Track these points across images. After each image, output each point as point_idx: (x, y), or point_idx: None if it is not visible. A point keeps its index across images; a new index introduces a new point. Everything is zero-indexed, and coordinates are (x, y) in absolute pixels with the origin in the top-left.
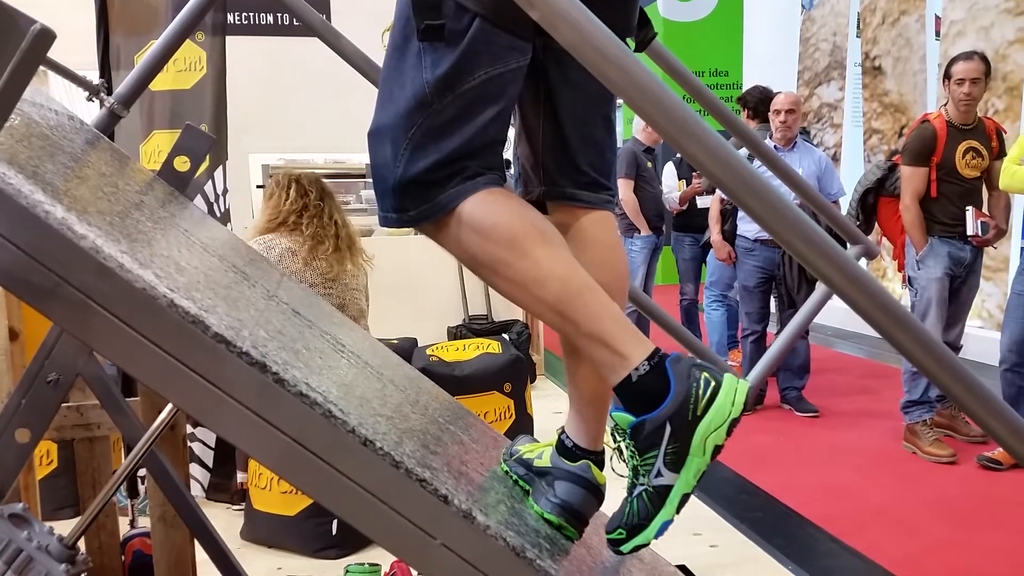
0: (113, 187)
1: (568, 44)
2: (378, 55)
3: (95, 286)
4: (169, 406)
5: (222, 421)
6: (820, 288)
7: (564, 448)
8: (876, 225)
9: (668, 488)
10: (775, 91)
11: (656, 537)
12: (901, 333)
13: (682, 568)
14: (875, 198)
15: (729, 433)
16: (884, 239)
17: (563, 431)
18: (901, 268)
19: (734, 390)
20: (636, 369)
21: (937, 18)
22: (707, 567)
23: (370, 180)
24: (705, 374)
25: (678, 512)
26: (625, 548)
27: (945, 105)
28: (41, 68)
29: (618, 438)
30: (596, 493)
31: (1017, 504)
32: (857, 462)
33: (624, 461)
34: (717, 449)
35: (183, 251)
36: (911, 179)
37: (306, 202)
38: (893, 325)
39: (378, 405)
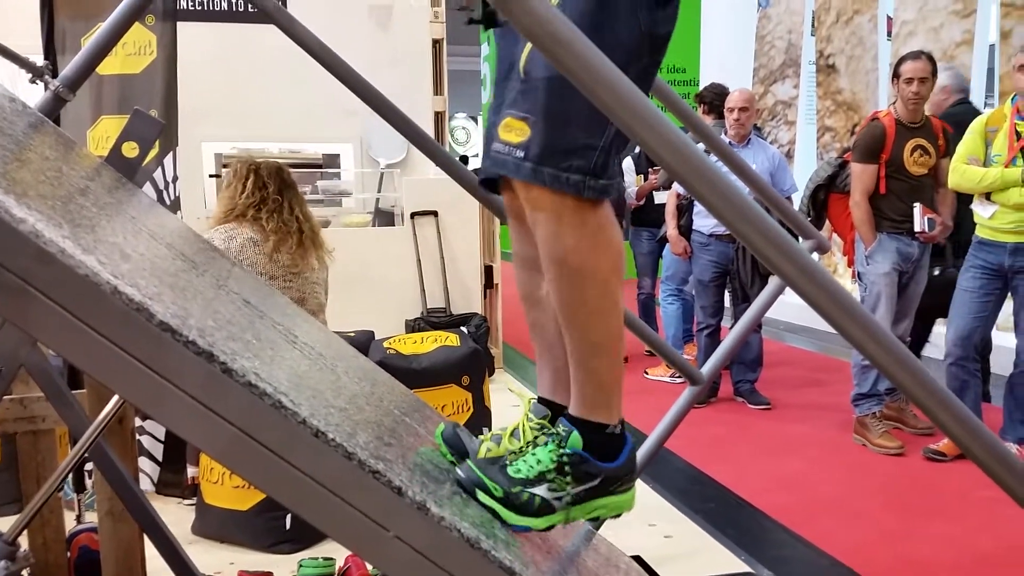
0: (56, 172)
1: (524, 29)
2: (335, 41)
3: (35, 272)
4: (115, 398)
5: (168, 412)
6: (773, 282)
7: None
8: (827, 221)
9: (551, 511)
10: (731, 89)
11: (514, 529)
12: (852, 325)
13: (637, 559)
14: (826, 195)
15: (600, 522)
16: (835, 235)
17: (565, 409)
18: (851, 264)
19: (633, 498)
20: (615, 428)
21: (889, 18)
22: (661, 558)
23: (327, 170)
24: (630, 477)
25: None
26: (481, 498)
27: (894, 103)
28: None
29: (552, 445)
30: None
31: (961, 494)
32: (808, 454)
33: (530, 455)
34: (593, 521)
35: (129, 238)
36: (861, 176)
37: (264, 195)
38: (844, 317)
39: (331, 397)
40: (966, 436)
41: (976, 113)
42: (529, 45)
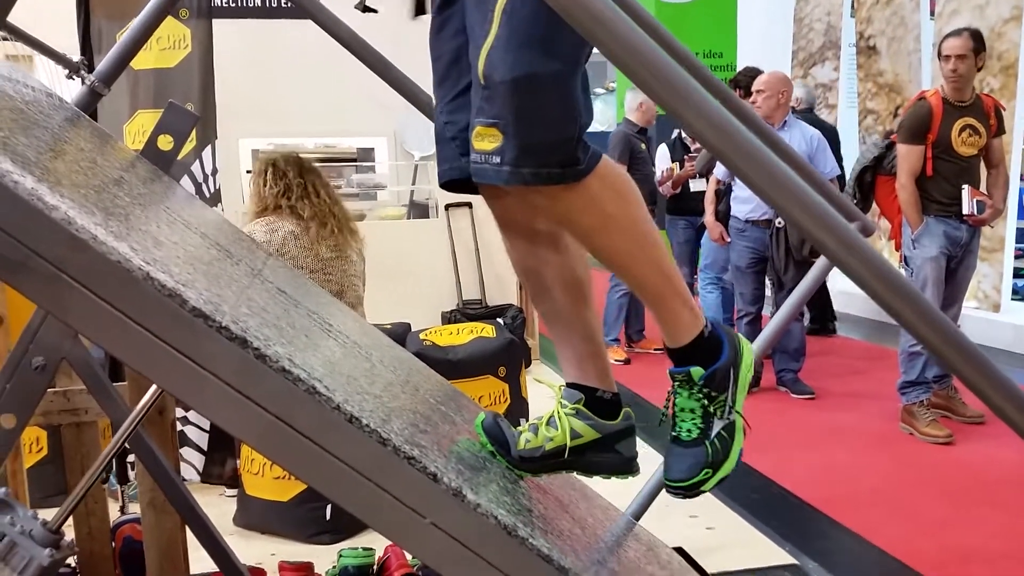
0: (91, 163)
1: (557, 4)
2: (369, 31)
3: (68, 258)
4: (153, 387)
5: (202, 398)
6: (816, 266)
7: (603, 404)
8: (874, 204)
9: (735, 421)
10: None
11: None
12: (902, 304)
13: (679, 550)
14: (872, 177)
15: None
16: (882, 219)
17: (598, 390)
18: (898, 248)
19: (740, 337)
20: (706, 326)
21: None
22: (704, 549)
23: (362, 164)
24: (727, 328)
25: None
26: (708, 486)
27: (942, 83)
28: (27, 51)
29: (684, 392)
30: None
31: (1012, 483)
32: (853, 443)
33: (681, 414)
34: (747, 385)
35: (163, 227)
36: (907, 157)
37: (287, 183)
38: (894, 296)
39: (366, 384)
40: None
41: (819, 124)
42: (485, 49)
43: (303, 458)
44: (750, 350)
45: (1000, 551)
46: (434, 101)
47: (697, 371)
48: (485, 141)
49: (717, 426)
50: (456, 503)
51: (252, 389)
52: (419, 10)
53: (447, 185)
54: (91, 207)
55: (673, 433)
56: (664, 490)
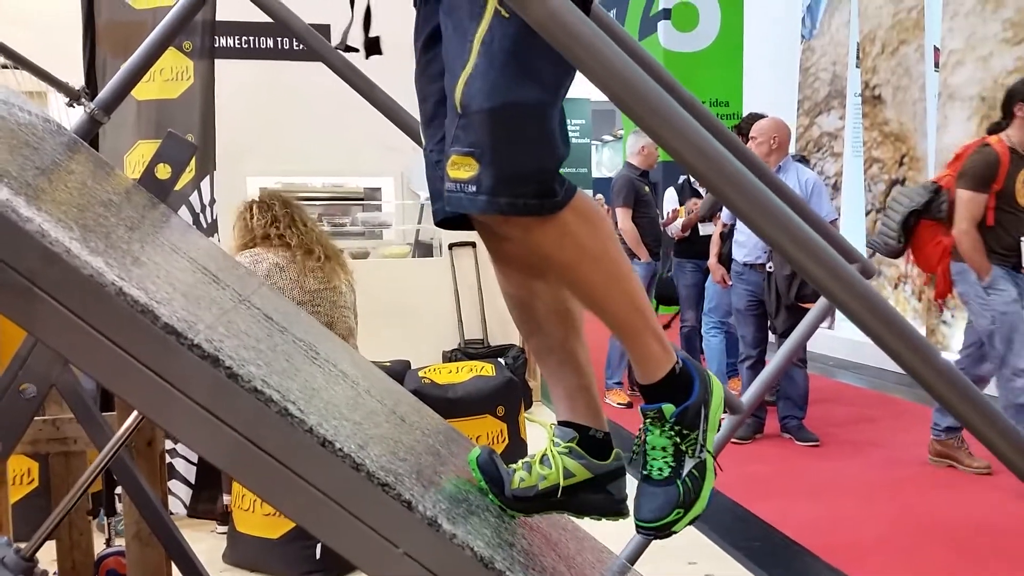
0: (80, 184)
1: (537, 23)
2: (376, 75)
3: (40, 272)
4: (136, 413)
5: (172, 417)
6: (817, 305)
7: (595, 443)
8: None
9: (705, 460)
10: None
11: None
12: (901, 344)
13: None
14: (916, 220)
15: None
16: (911, 263)
17: (591, 429)
18: (941, 296)
19: (711, 375)
20: (677, 363)
21: (936, 49)
22: None
23: (368, 203)
24: (697, 365)
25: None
26: (680, 526)
27: (1006, 131)
28: (41, 87)
29: (655, 429)
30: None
31: (1019, 535)
32: (858, 491)
33: (653, 452)
34: (718, 424)
35: (147, 248)
36: (969, 204)
37: (273, 214)
38: (893, 336)
39: (346, 411)
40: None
41: None
42: (463, 78)
43: (272, 481)
44: (720, 388)
45: None
46: (423, 141)
47: (669, 408)
48: (460, 170)
49: (688, 464)
50: (431, 533)
51: (222, 409)
52: (371, 51)
53: (443, 223)
54: (70, 223)
55: (644, 472)
56: (636, 531)
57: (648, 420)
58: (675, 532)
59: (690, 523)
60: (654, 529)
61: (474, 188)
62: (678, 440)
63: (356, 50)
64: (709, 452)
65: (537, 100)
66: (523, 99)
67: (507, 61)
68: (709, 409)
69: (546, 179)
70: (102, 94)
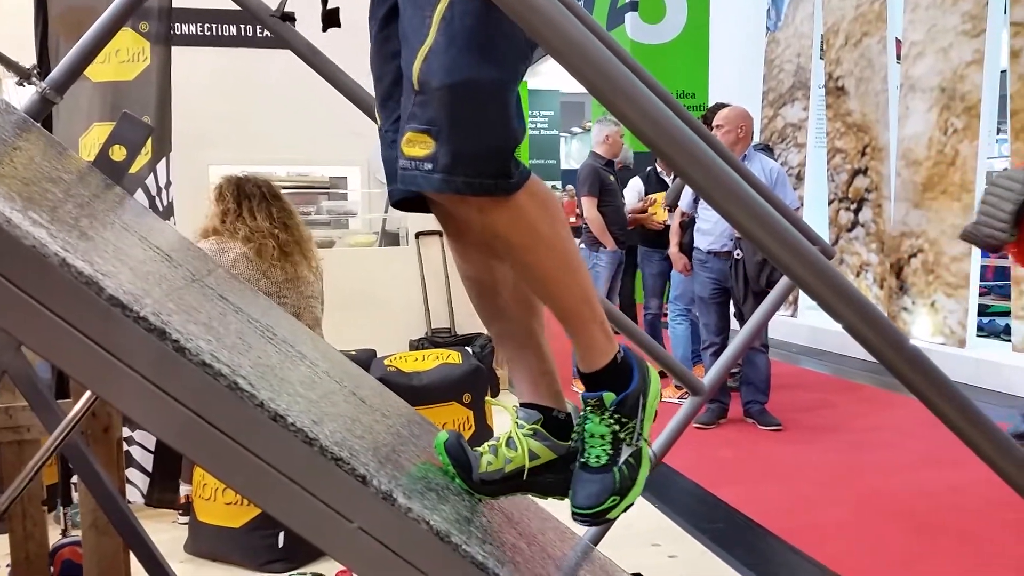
0: (27, 160)
1: (536, 35)
2: (342, 63)
3: None
4: (88, 394)
5: (119, 392)
6: (779, 286)
7: (557, 424)
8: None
9: (641, 448)
10: None
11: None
12: (860, 321)
13: None
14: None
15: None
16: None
17: (554, 410)
18: None
19: (649, 366)
20: (619, 352)
21: (898, 41)
22: None
23: (333, 191)
24: (637, 355)
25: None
26: (615, 513)
27: None
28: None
29: (595, 417)
30: None
31: (975, 513)
32: (820, 475)
33: (591, 440)
34: (654, 413)
35: (96, 225)
36: None
37: (225, 207)
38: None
39: (302, 389)
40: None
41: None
42: (422, 54)
43: (222, 456)
44: (658, 379)
45: None
46: (378, 121)
47: (609, 396)
48: (416, 147)
49: (625, 453)
50: (386, 507)
51: (169, 383)
52: (329, 22)
53: (399, 204)
54: (13, 195)
55: (581, 459)
56: (572, 517)
57: (588, 408)
58: (610, 519)
59: (624, 511)
60: (590, 516)
61: (430, 166)
62: (617, 428)
63: (293, 20)
64: (646, 440)
65: (496, 79)
66: (482, 77)
67: (467, 38)
68: (647, 398)
69: (503, 159)
70: (54, 73)
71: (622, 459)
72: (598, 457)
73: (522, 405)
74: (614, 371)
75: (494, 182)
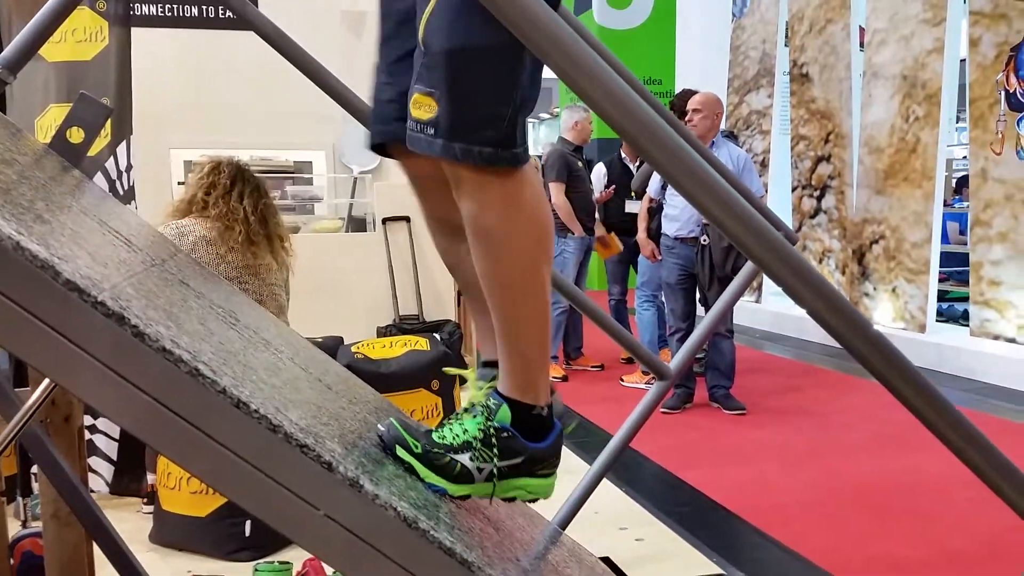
0: None
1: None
2: (308, 49)
3: None
4: (47, 381)
5: (76, 378)
6: (743, 271)
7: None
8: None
9: (470, 480)
10: None
11: (428, 487)
12: (825, 307)
13: (606, 560)
14: None
15: (512, 499)
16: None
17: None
18: None
19: (552, 485)
20: (540, 408)
21: (861, 28)
22: (633, 560)
23: (298, 176)
24: (554, 461)
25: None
26: (423, 473)
27: None
28: None
29: (481, 417)
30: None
31: (933, 493)
32: (783, 457)
33: (456, 423)
34: (506, 499)
35: (53, 208)
36: None
37: (214, 180)
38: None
39: (265, 375)
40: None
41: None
42: (426, 14)
43: (184, 443)
44: (547, 490)
45: (920, 559)
46: (376, 59)
47: (504, 414)
48: (422, 110)
49: (464, 458)
50: (352, 494)
51: (128, 369)
52: None
53: (376, 148)
54: None
55: (436, 429)
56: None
57: (481, 407)
58: (421, 480)
59: (430, 488)
60: (390, 447)
61: (432, 131)
62: (480, 444)
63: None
64: (494, 484)
65: (496, 43)
66: (480, 42)
67: (468, 1)
68: (524, 474)
69: (499, 127)
70: (6, 52)
71: (456, 456)
72: (443, 436)
73: (484, 363)
74: (526, 415)
75: (493, 151)
